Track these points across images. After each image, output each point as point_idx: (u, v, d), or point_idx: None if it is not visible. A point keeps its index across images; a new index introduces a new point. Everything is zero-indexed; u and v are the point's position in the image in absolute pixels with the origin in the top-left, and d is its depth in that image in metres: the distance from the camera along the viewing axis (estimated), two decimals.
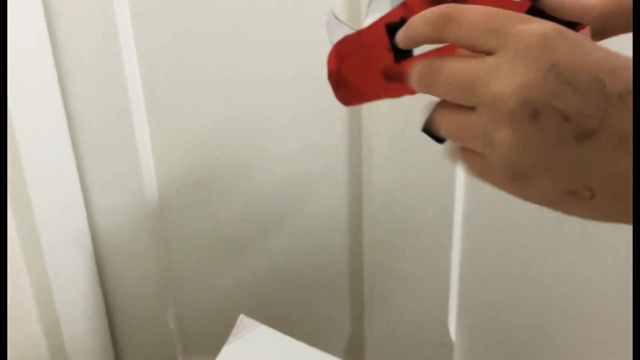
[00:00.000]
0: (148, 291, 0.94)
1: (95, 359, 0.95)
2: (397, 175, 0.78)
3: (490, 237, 0.81)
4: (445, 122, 0.32)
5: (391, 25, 0.38)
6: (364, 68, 0.40)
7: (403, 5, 0.38)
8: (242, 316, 0.69)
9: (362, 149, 0.80)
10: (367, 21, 0.39)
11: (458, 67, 0.30)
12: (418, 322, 0.88)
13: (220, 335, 0.68)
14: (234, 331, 0.67)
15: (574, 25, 0.35)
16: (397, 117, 0.74)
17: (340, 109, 0.78)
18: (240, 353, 0.65)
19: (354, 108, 0.77)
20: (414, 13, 0.37)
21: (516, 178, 0.28)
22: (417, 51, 0.37)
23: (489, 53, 0.28)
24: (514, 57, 0.27)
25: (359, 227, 0.86)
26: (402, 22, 0.37)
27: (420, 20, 0.31)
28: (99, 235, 0.91)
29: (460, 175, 0.77)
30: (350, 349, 0.96)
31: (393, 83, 0.39)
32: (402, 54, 0.38)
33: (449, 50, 0.36)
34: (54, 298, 0.84)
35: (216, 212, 0.88)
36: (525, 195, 0.29)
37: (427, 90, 0.32)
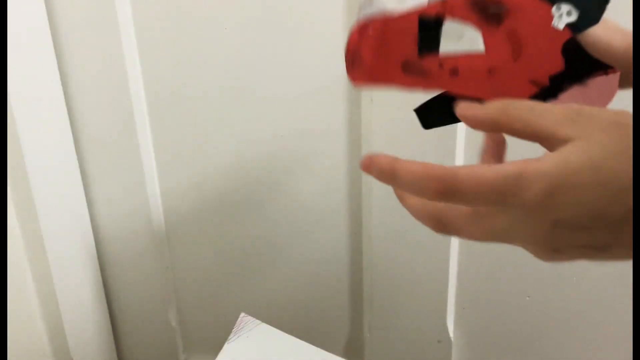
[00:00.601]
0: (150, 290, 0.95)
1: (98, 357, 0.95)
2: None
3: None
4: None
5: (425, 19, 0.37)
6: (385, 52, 0.39)
7: (443, 2, 0.37)
8: (243, 314, 0.69)
9: (362, 149, 0.80)
10: (401, 6, 0.38)
11: (479, 229, 0.32)
12: (417, 320, 0.88)
13: (221, 334, 0.69)
14: (235, 329, 0.67)
15: (606, 67, 0.35)
16: (398, 119, 0.75)
17: (339, 105, 0.79)
18: (241, 351, 0.65)
19: (354, 122, 0.78)
20: (452, 12, 0.37)
21: (551, 259, 0.32)
22: (444, 49, 0.37)
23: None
24: (521, 221, 0.30)
25: (359, 227, 0.86)
26: (437, 18, 0.37)
27: (426, 181, 0.31)
28: (102, 236, 0.92)
29: None
30: (350, 347, 0.96)
31: (409, 75, 0.39)
32: (428, 49, 0.38)
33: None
34: (57, 298, 0.85)
35: (217, 212, 0.88)
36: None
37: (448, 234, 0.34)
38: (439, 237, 0.81)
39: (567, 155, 0.28)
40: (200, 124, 0.83)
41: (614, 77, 0.35)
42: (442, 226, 0.33)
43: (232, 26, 0.76)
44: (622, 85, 0.37)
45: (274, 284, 0.92)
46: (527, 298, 0.84)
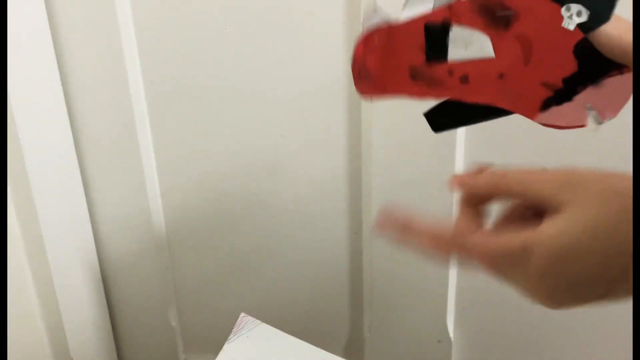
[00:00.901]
0: (150, 290, 0.95)
1: (98, 357, 0.95)
2: (397, 175, 0.79)
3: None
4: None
5: (431, 26, 0.37)
6: (392, 62, 0.39)
7: (449, 7, 0.36)
8: (243, 314, 0.69)
9: (362, 150, 0.80)
10: (405, 14, 0.37)
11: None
12: (417, 320, 0.88)
13: (221, 334, 0.69)
14: (235, 329, 0.68)
15: (620, 67, 0.35)
16: (397, 119, 0.75)
17: (339, 105, 0.79)
18: (241, 351, 0.65)
19: (354, 122, 0.78)
20: (459, 18, 0.36)
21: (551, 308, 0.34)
22: (452, 56, 0.37)
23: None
24: (526, 280, 0.32)
25: (359, 227, 0.86)
26: (444, 25, 0.36)
27: (437, 246, 0.35)
28: (102, 236, 0.92)
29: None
30: (350, 347, 0.96)
31: (418, 83, 0.38)
32: (437, 56, 0.37)
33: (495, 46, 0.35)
34: (57, 298, 0.85)
35: (217, 212, 0.88)
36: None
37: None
38: None
39: (564, 224, 0.30)
40: (201, 124, 0.83)
41: (629, 76, 0.35)
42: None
43: (232, 26, 0.76)
44: None
45: (274, 284, 0.92)
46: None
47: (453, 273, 0.85)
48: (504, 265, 0.32)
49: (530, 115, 0.37)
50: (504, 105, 0.36)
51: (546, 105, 0.37)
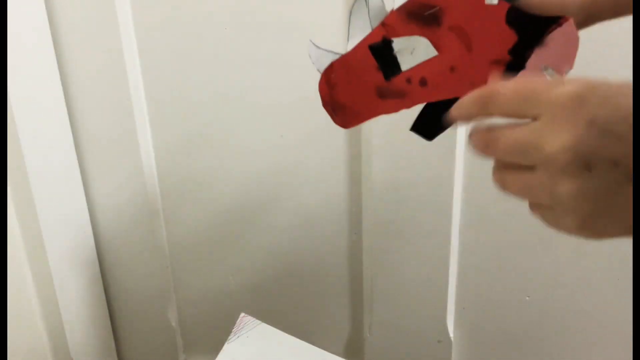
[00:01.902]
0: (150, 290, 0.95)
1: (98, 357, 0.95)
2: (396, 175, 0.79)
3: (488, 235, 0.81)
4: (510, 183, 0.34)
5: (374, 46, 0.39)
6: (357, 90, 0.41)
7: (382, 25, 0.39)
8: (243, 314, 0.69)
9: (362, 149, 0.80)
10: (350, 44, 0.40)
11: (512, 135, 0.32)
12: (417, 320, 0.88)
13: (221, 334, 0.69)
14: (235, 329, 0.68)
15: (557, 20, 0.35)
16: (398, 120, 0.75)
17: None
18: (241, 351, 0.65)
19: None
20: (395, 31, 0.38)
21: (584, 226, 0.31)
22: (404, 66, 0.38)
23: (534, 118, 0.31)
24: (555, 120, 0.29)
25: (359, 227, 0.86)
26: (384, 41, 0.38)
27: (467, 101, 0.34)
28: (102, 236, 0.92)
29: (459, 174, 0.77)
30: (350, 347, 0.96)
31: (387, 100, 0.40)
32: (391, 71, 0.39)
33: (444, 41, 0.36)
34: (57, 298, 0.85)
35: (217, 212, 0.88)
36: (595, 238, 0.32)
37: (489, 155, 0.34)
38: (439, 237, 0.82)
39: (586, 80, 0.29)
40: (200, 124, 0.83)
41: (569, 24, 0.35)
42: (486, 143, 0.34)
43: (232, 26, 0.76)
44: (582, 27, 0.36)
45: (274, 284, 0.92)
46: (527, 298, 0.84)
47: (453, 273, 0.85)
48: (534, 93, 0.30)
49: None
50: (466, 93, 0.37)
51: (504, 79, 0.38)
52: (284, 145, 0.82)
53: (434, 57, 0.38)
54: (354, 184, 0.83)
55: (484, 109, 0.33)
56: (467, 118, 0.35)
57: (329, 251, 0.88)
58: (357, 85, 0.41)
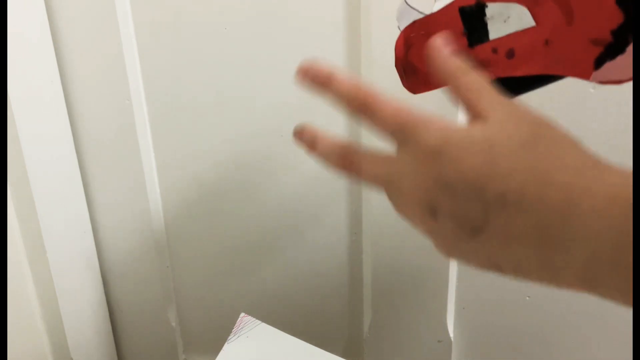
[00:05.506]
0: (150, 289, 0.95)
1: (98, 357, 0.95)
2: None
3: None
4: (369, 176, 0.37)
5: (466, 9, 0.36)
6: None
7: None
8: (243, 314, 0.69)
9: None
10: (438, 4, 0.37)
11: (375, 166, 0.35)
12: (417, 320, 0.88)
13: (221, 334, 0.69)
14: (235, 329, 0.68)
15: None
16: None
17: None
18: (241, 351, 0.65)
19: (354, 122, 0.78)
20: None
21: (443, 252, 0.34)
22: (494, 34, 0.35)
23: (398, 144, 0.33)
24: (414, 161, 0.32)
25: (358, 226, 0.86)
26: (478, 5, 0.35)
27: (349, 90, 0.36)
28: (102, 236, 0.92)
29: None
30: (350, 347, 0.96)
31: None
32: (478, 38, 0.36)
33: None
34: (57, 298, 0.85)
35: (217, 212, 0.88)
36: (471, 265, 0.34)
37: (352, 177, 0.37)
38: None
39: (473, 126, 0.30)
40: (200, 124, 0.83)
41: None
42: (348, 163, 0.36)
43: (232, 26, 0.76)
44: None
45: (274, 284, 0.92)
46: (527, 298, 0.84)
47: (453, 273, 0.85)
48: (400, 126, 0.32)
49: (585, 75, 0.35)
50: (556, 71, 0.35)
51: (599, 62, 0.35)
52: (284, 145, 0.82)
53: (530, 28, 0.35)
54: (354, 183, 0.83)
55: (362, 108, 0.34)
56: (339, 103, 0.36)
57: (329, 251, 0.88)
58: None
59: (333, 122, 0.80)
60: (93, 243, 0.91)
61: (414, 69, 0.39)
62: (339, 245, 0.88)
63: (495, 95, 0.31)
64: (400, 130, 0.32)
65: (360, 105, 0.35)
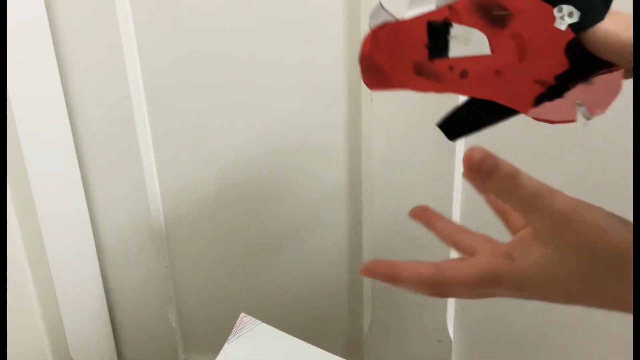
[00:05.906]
0: (150, 290, 0.95)
1: (98, 357, 0.95)
2: (396, 175, 0.79)
3: (488, 235, 0.81)
4: None
5: (433, 24, 0.39)
6: (397, 57, 0.41)
7: (449, 7, 0.38)
8: (243, 314, 0.69)
9: (362, 151, 0.80)
10: (409, 13, 0.40)
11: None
12: (417, 320, 0.88)
13: (221, 334, 0.69)
14: (235, 329, 0.68)
15: (609, 66, 0.36)
16: (398, 120, 0.75)
17: (339, 105, 0.79)
18: (241, 351, 0.65)
19: (354, 122, 0.78)
20: (459, 18, 0.38)
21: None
22: (453, 53, 0.39)
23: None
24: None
25: (359, 226, 0.86)
26: (445, 23, 0.39)
27: (423, 277, 0.37)
28: (102, 236, 0.92)
29: (459, 174, 0.77)
30: (350, 347, 0.96)
31: (421, 77, 0.40)
32: (439, 52, 0.39)
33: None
34: (57, 298, 0.85)
35: (217, 212, 0.88)
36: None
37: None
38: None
39: (534, 260, 0.34)
40: (200, 123, 0.83)
41: (618, 75, 0.36)
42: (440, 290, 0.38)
43: (232, 26, 0.76)
44: (627, 77, 0.37)
45: (274, 284, 0.92)
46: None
47: None
48: (477, 291, 0.36)
49: (523, 109, 0.39)
50: (500, 100, 0.38)
51: (539, 100, 0.38)
52: (285, 145, 0.82)
53: (485, 56, 0.38)
54: (354, 183, 0.83)
55: (436, 294, 0.37)
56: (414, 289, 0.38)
57: (329, 251, 0.88)
58: (398, 53, 0.41)
59: (333, 122, 0.80)
60: (93, 243, 0.91)
61: (376, 66, 0.42)
62: (339, 245, 0.88)
63: (563, 198, 0.34)
64: (476, 293, 0.36)
65: (435, 293, 0.37)
